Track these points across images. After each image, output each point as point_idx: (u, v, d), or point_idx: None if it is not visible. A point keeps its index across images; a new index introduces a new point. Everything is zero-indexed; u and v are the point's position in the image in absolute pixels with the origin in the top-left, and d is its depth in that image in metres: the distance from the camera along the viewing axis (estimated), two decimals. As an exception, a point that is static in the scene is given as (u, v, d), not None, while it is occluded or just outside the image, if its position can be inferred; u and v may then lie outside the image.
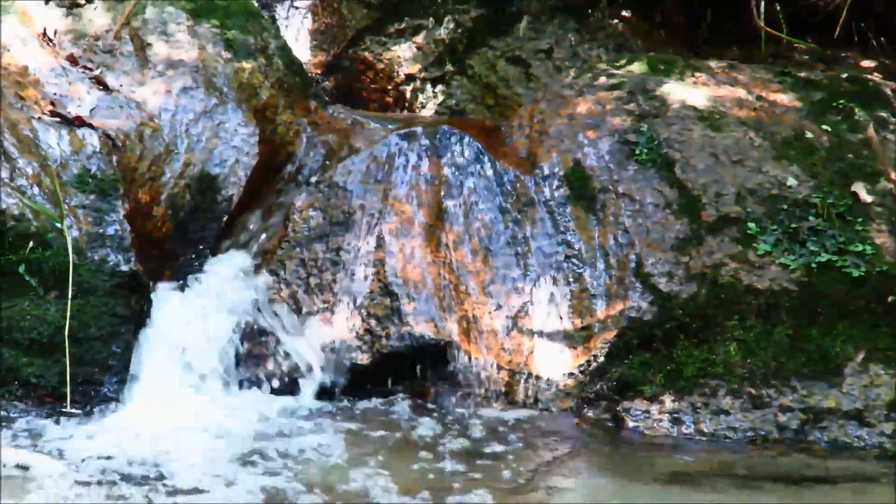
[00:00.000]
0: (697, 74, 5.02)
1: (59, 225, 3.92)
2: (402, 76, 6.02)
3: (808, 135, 4.70)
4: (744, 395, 4.09)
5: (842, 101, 4.86)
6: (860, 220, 4.37)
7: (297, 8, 6.30)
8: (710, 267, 4.31)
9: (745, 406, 4.07)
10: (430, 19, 6.01)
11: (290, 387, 4.23)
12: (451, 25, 5.98)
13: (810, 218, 4.38)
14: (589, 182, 4.59)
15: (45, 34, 4.75)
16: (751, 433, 4.02)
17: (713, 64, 5.17)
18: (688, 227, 4.43)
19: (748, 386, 4.10)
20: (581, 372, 4.24)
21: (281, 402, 4.12)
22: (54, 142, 4.20)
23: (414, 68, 6.00)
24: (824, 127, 4.74)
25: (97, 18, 4.91)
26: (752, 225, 4.38)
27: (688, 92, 4.86)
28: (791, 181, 4.49)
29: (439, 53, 5.98)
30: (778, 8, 5.52)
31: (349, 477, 3.43)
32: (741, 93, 4.92)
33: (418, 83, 6.00)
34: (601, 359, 4.24)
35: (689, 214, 4.45)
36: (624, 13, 5.94)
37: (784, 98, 4.92)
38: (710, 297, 4.26)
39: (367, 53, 6.08)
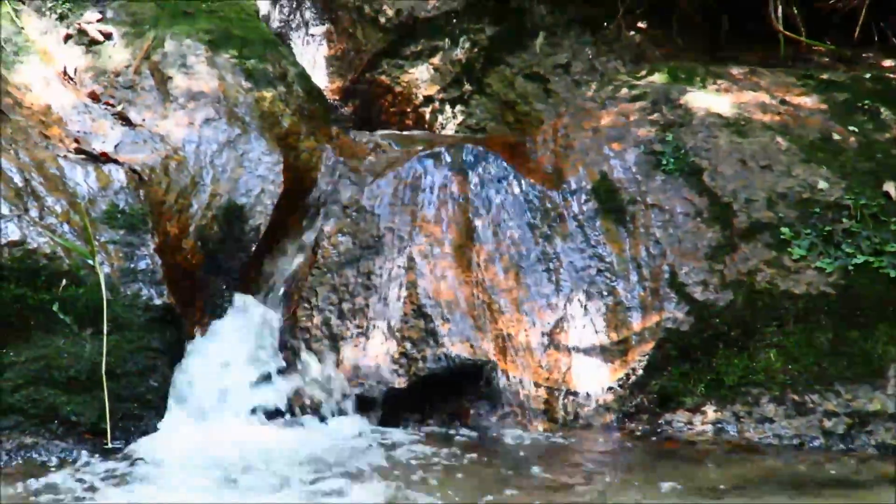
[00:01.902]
0: (719, 81, 5.00)
1: (90, 261, 3.91)
2: (421, 98, 6.01)
3: (836, 136, 4.67)
4: (787, 401, 4.05)
5: (867, 102, 4.84)
6: (894, 219, 4.33)
7: (312, 35, 6.30)
8: (746, 274, 4.28)
9: (788, 413, 4.03)
10: (446, 40, 6.01)
11: (327, 413, 4.21)
12: (467, 45, 5.97)
13: (844, 220, 4.34)
14: (617, 194, 4.57)
15: (65, 73, 4.76)
16: (796, 440, 3.98)
17: (734, 70, 5.15)
18: (720, 235, 4.40)
19: (791, 392, 4.06)
20: (620, 386, 4.20)
21: (320, 429, 4.09)
22: (81, 179, 4.19)
23: (432, 90, 5.99)
24: (851, 128, 4.72)
25: (116, 54, 4.92)
26: (785, 230, 4.34)
27: (711, 99, 4.84)
28: (822, 184, 4.46)
29: (457, 73, 5.97)
30: (795, 11, 5.48)
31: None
32: (765, 97, 4.90)
33: (437, 104, 5.99)
34: (640, 371, 4.20)
35: (721, 222, 4.42)
36: (640, 24, 5.92)
37: (808, 101, 4.90)
38: (747, 304, 4.22)
39: (384, 77, 6.08)
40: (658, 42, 5.98)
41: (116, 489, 3.42)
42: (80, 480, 3.47)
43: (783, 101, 4.88)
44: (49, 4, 4.96)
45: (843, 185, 4.45)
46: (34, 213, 3.94)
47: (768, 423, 4.03)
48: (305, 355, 4.30)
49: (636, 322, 4.28)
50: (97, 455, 3.67)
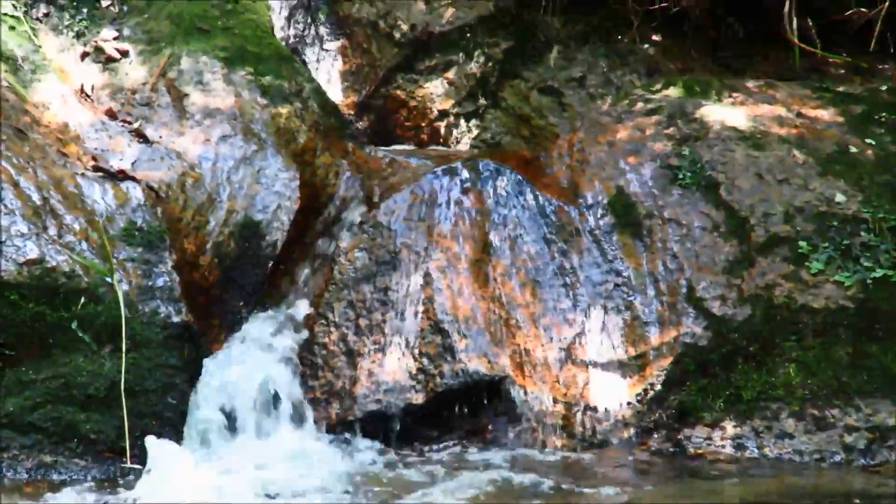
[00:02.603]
0: (735, 94, 4.99)
1: (109, 279, 3.92)
2: (436, 112, 6.01)
3: (853, 149, 4.65)
4: (807, 416, 4.03)
5: (883, 114, 4.82)
6: (913, 232, 4.32)
7: (326, 50, 6.31)
8: (764, 288, 4.26)
9: (808, 428, 4.01)
10: (461, 54, 6.01)
11: (343, 430, 4.21)
12: (482, 59, 5.97)
13: (862, 233, 4.32)
14: (633, 209, 4.56)
15: (82, 90, 4.79)
16: (817, 455, 3.96)
17: (750, 83, 5.14)
18: (737, 249, 4.38)
19: (811, 407, 4.04)
20: (638, 401, 4.19)
21: (336, 446, 4.09)
22: (99, 196, 4.21)
23: (447, 104, 5.99)
24: (868, 140, 4.70)
25: (133, 72, 4.94)
26: (803, 244, 4.33)
27: (727, 113, 4.83)
28: (839, 197, 4.44)
29: (471, 88, 5.97)
30: (810, 22, 5.47)
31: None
32: (781, 110, 4.89)
33: (452, 118, 5.99)
34: (658, 387, 4.19)
35: (738, 236, 4.41)
36: (654, 36, 5.91)
37: (824, 113, 4.88)
38: (765, 318, 4.20)
39: (399, 91, 6.08)
40: (672, 54, 5.97)
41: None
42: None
43: (799, 114, 4.86)
44: (66, 22, 5.00)
45: (861, 198, 4.43)
46: (52, 231, 3.96)
47: (788, 438, 4.01)
48: (323, 371, 4.31)
49: (654, 337, 4.27)
50: (116, 473, 3.68)
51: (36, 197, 4.00)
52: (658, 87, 5.13)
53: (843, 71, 5.69)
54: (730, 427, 4.06)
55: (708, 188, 4.54)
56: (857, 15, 5.48)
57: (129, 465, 3.68)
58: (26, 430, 3.66)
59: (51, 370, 3.74)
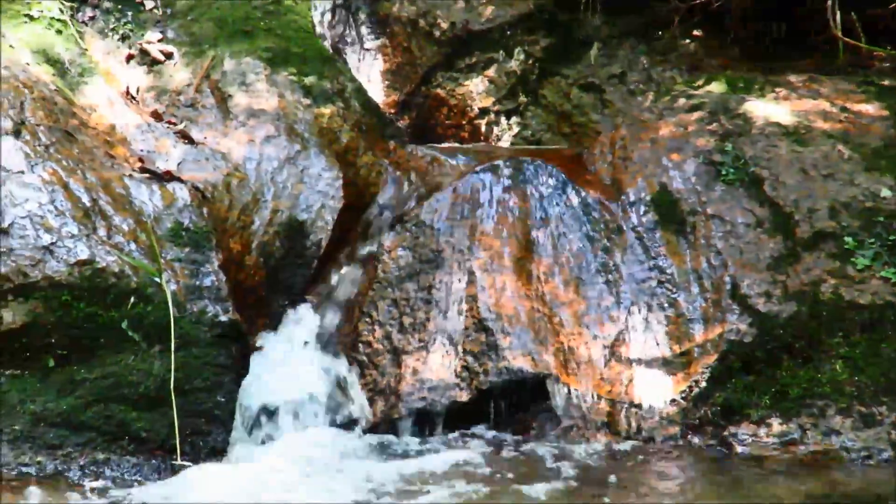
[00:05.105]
0: (778, 90, 4.97)
1: (157, 279, 3.97)
2: (476, 110, 6.03)
3: (899, 144, 4.61)
4: (854, 413, 4.00)
5: (930, 108, 4.78)
6: (960, 227, 4.28)
7: (367, 50, 6.35)
8: (809, 284, 4.24)
9: (856, 425, 3.99)
10: (501, 52, 6.02)
11: (389, 426, 4.24)
12: (522, 56, 5.98)
13: (908, 229, 4.29)
14: (677, 205, 4.55)
15: (128, 92, 4.85)
16: (864, 453, 3.94)
17: (793, 78, 5.10)
18: (782, 245, 4.36)
19: (858, 404, 4.01)
20: (683, 398, 4.19)
21: (381, 443, 4.12)
22: (146, 197, 4.26)
23: (487, 101, 6.01)
24: (914, 135, 4.66)
25: (177, 74, 4.99)
26: (848, 239, 4.30)
27: (770, 108, 4.80)
28: (885, 192, 4.41)
29: (512, 85, 5.99)
30: (854, 17, 5.42)
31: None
32: (825, 105, 4.85)
33: (492, 116, 6.00)
34: (703, 384, 4.18)
35: (783, 232, 4.39)
36: (695, 32, 5.89)
37: (869, 108, 4.84)
38: (811, 315, 4.18)
39: (439, 90, 6.11)
40: (713, 51, 5.94)
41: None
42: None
43: (844, 109, 4.83)
44: (111, 25, 5.06)
45: (908, 193, 4.40)
46: (102, 232, 4.02)
47: (835, 435, 3.99)
48: (368, 369, 4.34)
49: (698, 334, 4.26)
50: (167, 470, 3.74)
51: (85, 198, 4.06)
52: (700, 83, 5.11)
53: (887, 65, 5.63)
54: (776, 424, 4.04)
55: (751, 184, 4.52)
56: (898, 8, 5.42)
57: (179, 462, 3.73)
58: (80, 428, 3.73)
59: (102, 369, 3.80)
